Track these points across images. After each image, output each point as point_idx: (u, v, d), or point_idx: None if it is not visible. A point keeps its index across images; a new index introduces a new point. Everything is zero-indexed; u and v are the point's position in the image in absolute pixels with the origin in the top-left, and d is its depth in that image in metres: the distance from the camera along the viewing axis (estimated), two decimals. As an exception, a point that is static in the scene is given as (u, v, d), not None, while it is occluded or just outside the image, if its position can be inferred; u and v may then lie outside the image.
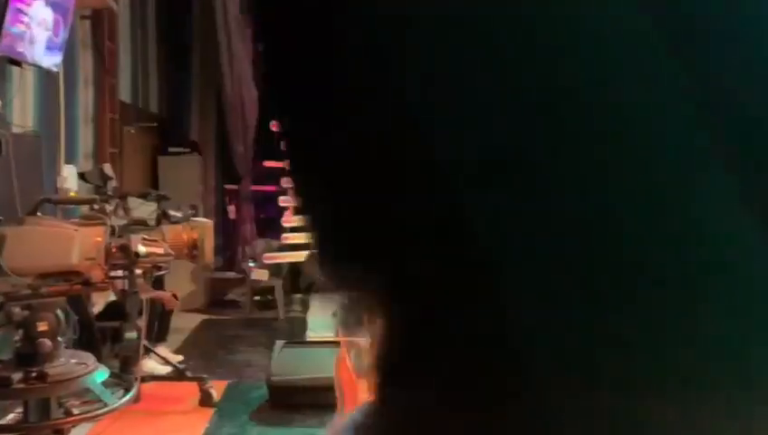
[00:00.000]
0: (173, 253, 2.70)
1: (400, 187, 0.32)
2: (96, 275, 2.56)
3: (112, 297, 4.94)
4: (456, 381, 0.33)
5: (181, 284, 6.62)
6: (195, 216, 4.10)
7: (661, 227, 0.31)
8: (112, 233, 2.59)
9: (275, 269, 7.88)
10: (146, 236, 2.62)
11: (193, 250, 2.81)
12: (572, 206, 0.30)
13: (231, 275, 8.12)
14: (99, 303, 5.04)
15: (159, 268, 2.76)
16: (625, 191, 0.31)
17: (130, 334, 3.92)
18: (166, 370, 5.00)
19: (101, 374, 2.64)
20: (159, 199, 4.60)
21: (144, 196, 4.68)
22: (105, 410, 2.58)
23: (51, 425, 2.56)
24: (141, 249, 2.52)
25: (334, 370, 3.07)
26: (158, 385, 4.60)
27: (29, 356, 2.54)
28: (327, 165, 0.34)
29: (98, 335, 4.67)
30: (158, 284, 5.21)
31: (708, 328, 0.31)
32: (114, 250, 2.53)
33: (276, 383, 4.55)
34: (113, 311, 4.82)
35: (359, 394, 2.98)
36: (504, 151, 0.31)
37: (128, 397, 2.77)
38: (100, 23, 6.37)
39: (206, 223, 2.98)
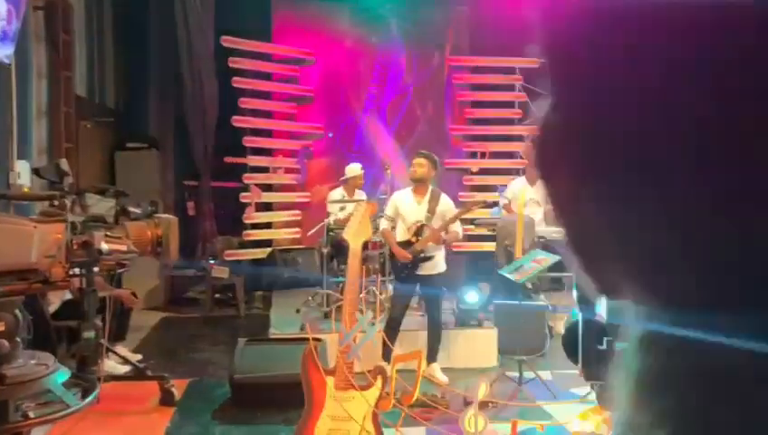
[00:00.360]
0: (137, 250, 2.65)
1: None
2: (56, 273, 2.49)
3: (68, 296, 4.83)
4: None
5: (140, 281, 6.49)
6: (155, 212, 4.03)
7: None
8: (73, 229, 2.53)
9: (236, 266, 7.80)
10: (109, 233, 2.56)
11: (157, 247, 2.76)
12: None
13: (191, 272, 8.00)
14: (54, 302, 4.90)
15: (123, 265, 2.70)
16: None
17: (88, 334, 3.83)
18: (125, 369, 4.91)
19: (62, 375, 2.57)
20: (118, 196, 4.50)
21: (102, 192, 4.56)
22: (67, 411, 2.52)
23: (9, 428, 2.49)
24: (104, 246, 2.46)
25: (301, 367, 3.06)
26: (117, 385, 4.51)
27: (-15, 357, 2.46)
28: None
29: (53, 335, 4.55)
30: (116, 281, 5.11)
31: None
32: (75, 247, 2.47)
33: (239, 381, 4.51)
34: (70, 310, 4.70)
35: (326, 391, 2.98)
36: None
37: (91, 398, 2.70)
38: (54, 14, 6.18)
39: (170, 219, 2.93)
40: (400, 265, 5.05)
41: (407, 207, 5.12)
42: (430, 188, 5.15)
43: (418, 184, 5.11)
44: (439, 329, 5.18)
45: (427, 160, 5.10)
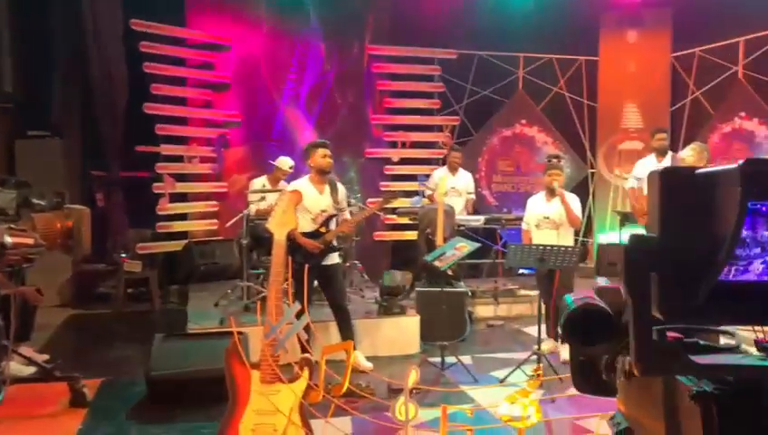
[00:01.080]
0: (45, 243, 2.47)
1: None
2: (-47, 269, 2.30)
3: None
4: None
5: (45, 277, 6.13)
6: (61, 203, 3.80)
7: None
8: (-28, 222, 2.34)
9: (149, 260, 7.52)
10: (13, 226, 2.38)
11: (68, 240, 2.59)
12: None
13: (101, 266, 7.64)
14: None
15: (30, 260, 2.51)
16: None
17: (-11, 334, 3.58)
18: (30, 370, 4.62)
19: (-39, 379, 2.38)
20: (20, 186, 4.22)
21: (2, 183, 4.26)
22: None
23: None
24: (8, 240, 2.28)
25: (224, 362, 2.97)
26: (22, 387, 4.24)
27: None
28: None
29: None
30: (19, 278, 4.79)
31: None
32: (-25, 241, 2.28)
33: (156, 378, 4.34)
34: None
35: (251, 385, 2.91)
36: None
37: (-6, 402, 2.52)
38: (-58, -11, 5.70)
39: (81, 210, 2.76)
40: (305, 256, 4.91)
41: (310, 197, 5.04)
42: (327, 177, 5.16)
43: (322, 174, 5.08)
44: (349, 316, 5.15)
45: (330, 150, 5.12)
